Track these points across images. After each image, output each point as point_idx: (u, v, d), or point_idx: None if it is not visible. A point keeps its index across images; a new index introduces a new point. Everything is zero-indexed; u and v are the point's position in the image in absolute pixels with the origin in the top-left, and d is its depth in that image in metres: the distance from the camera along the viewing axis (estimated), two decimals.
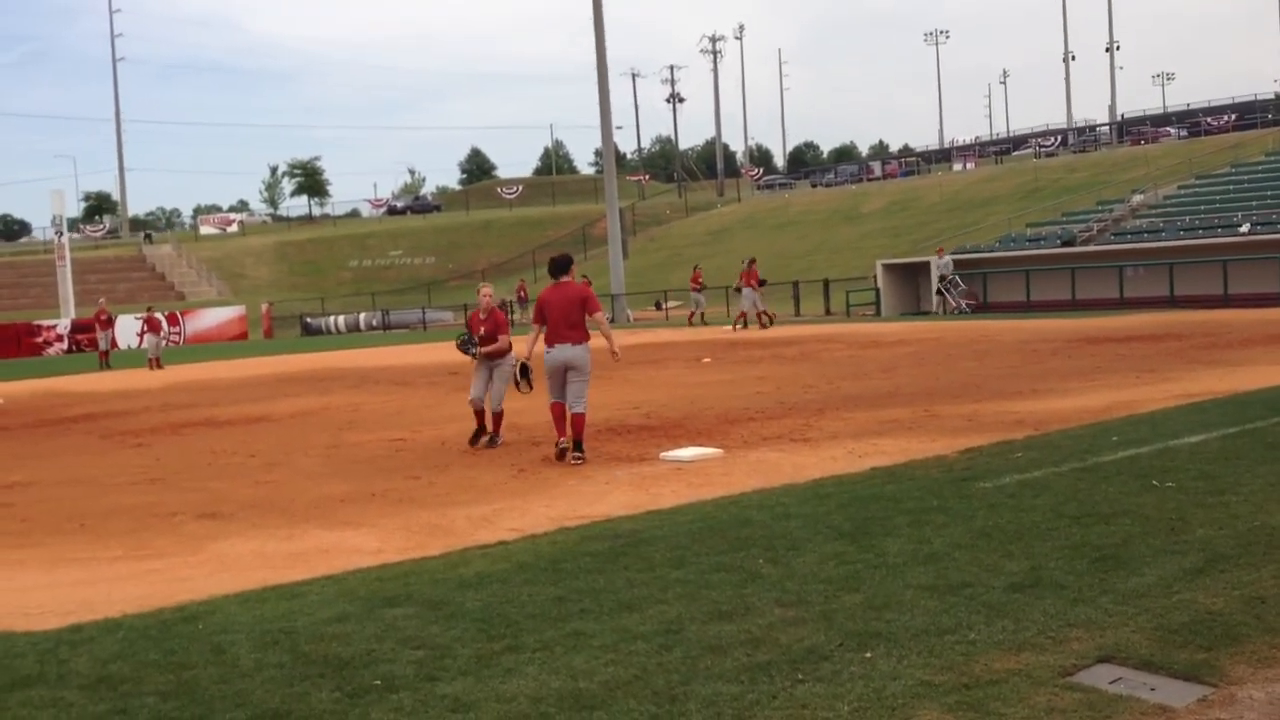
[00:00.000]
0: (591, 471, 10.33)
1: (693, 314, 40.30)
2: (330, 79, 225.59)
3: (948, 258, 38.78)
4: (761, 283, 34.21)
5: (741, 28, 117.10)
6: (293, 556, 7.58)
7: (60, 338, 51.35)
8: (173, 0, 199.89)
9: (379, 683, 4.93)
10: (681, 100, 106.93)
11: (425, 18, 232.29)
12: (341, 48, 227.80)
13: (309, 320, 63.62)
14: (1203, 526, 7.10)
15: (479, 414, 12.49)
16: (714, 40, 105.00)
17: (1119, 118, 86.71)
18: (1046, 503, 7.92)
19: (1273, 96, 76.20)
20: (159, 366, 29.66)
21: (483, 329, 12.35)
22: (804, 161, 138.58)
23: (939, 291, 37.89)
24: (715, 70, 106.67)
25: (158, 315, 33.54)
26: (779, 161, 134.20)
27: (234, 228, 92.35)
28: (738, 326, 33.60)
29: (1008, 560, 6.54)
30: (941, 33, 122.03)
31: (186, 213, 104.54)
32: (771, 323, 33.85)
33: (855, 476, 9.24)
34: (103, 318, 33.21)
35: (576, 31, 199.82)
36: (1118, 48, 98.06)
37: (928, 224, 57.10)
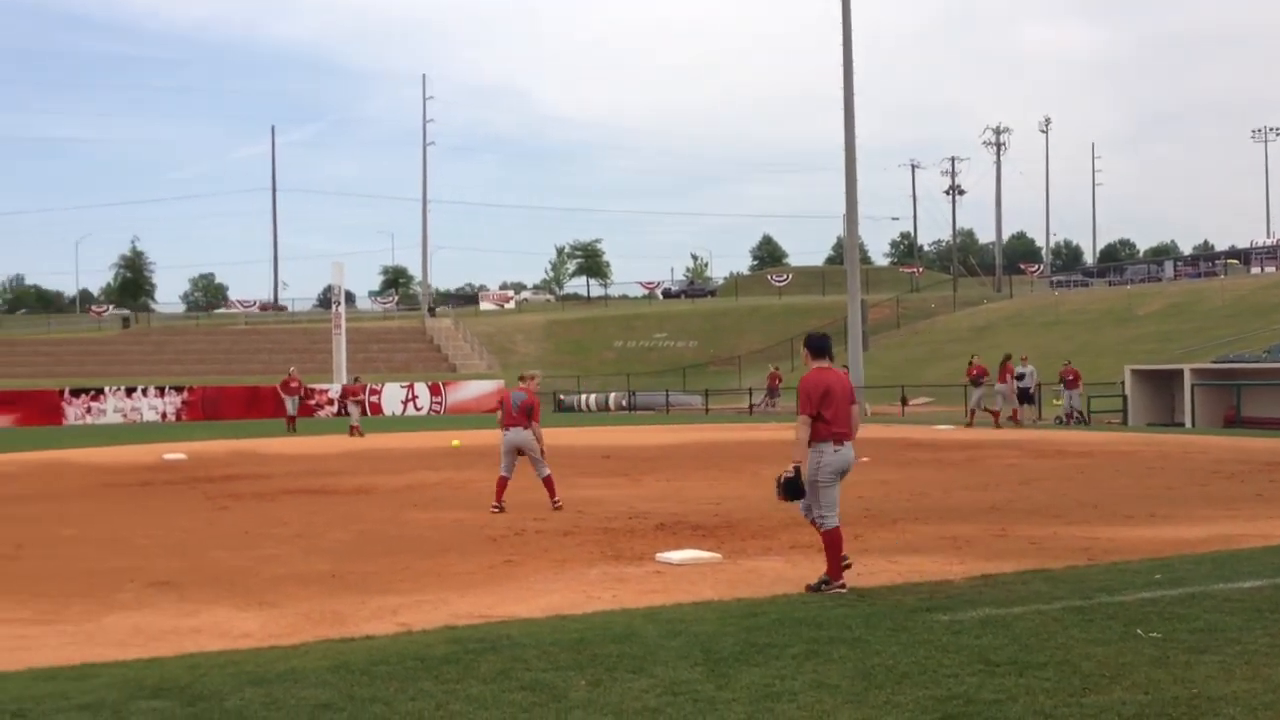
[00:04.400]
0: (580, 567, 9.83)
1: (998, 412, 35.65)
2: (624, 157, 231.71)
3: (1031, 368, 36.81)
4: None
5: (1047, 120, 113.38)
6: (163, 634, 7.43)
7: (331, 401, 54.01)
8: (467, 72, 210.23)
9: None
10: (962, 192, 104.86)
11: (722, 96, 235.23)
12: (641, 120, 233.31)
13: (562, 397, 64.98)
14: (1127, 689, 5.97)
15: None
16: (998, 132, 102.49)
17: None
18: (985, 643, 6.89)
19: None
20: (359, 434, 30.74)
21: None
22: (1116, 259, 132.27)
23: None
24: (998, 162, 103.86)
25: (359, 384, 35.09)
26: (1089, 259, 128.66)
27: (511, 304, 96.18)
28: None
29: (846, 707, 5.67)
30: (1272, 130, 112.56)
31: (494, 289, 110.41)
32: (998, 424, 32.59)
33: (816, 596, 8.37)
34: (292, 384, 34.86)
35: (884, 115, 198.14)
36: None
37: (1204, 330, 53.27)
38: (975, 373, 33.77)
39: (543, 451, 14.16)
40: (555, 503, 14.06)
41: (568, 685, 6.03)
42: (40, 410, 45.06)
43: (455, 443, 13.93)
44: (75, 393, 46.52)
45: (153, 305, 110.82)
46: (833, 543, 8.63)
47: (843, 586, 8.56)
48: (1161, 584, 8.68)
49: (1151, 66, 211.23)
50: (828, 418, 8.54)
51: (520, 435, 14.05)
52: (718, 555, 10.12)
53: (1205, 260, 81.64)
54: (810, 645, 6.82)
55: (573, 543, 11.32)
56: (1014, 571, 9.30)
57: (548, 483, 14.19)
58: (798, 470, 8.49)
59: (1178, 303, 61.96)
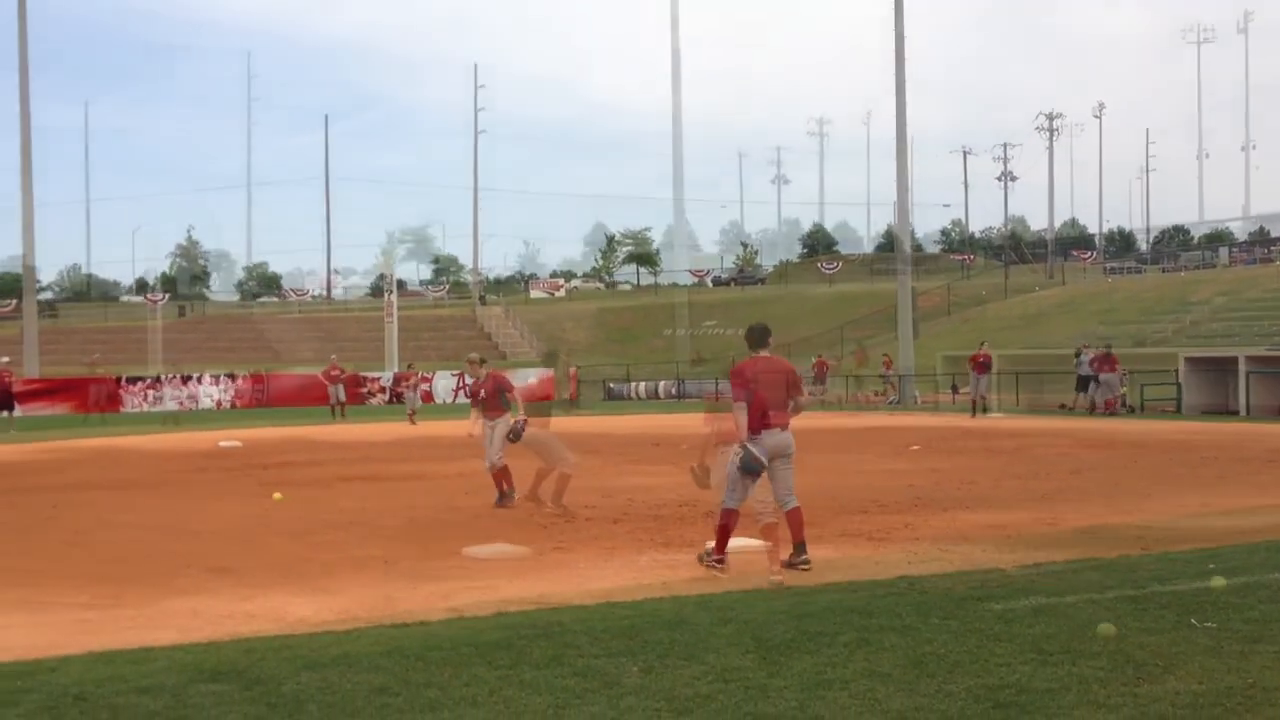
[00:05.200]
0: (630, 555, 9.89)
1: (1111, 401, 35.69)
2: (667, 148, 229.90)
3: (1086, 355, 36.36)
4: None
5: (1101, 106, 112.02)
6: (220, 619, 7.56)
7: (383, 389, 54.51)
8: (519, 61, 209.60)
9: None
10: (1014, 179, 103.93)
11: (773, 84, 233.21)
12: (691, 110, 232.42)
13: (611, 386, 65.05)
14: (1181, 679, 5.94)
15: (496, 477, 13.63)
16: (1050, 118, 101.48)
17: None
18: (1037, 632, 6.88)
19: None
20: (413, 422, 31.08)
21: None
22: (1170, 245, 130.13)
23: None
24: (1050, 149, 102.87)
25: (411, 371, 35.68)
26: (1142, 245, 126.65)
27: (561, 292, 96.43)
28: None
29: (897, 695, 5.68)
30: None
31: (544, 277, 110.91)
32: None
33: (866, 583, 8.37)
34: (334, 372, 35.25)
35: (937, 102, 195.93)
36: None
37: (1262, 316, 52.45)
38: (982, 359, 33.19)
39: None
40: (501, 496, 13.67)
41: (620, 671, 6.08)
42: (98, 397, 45.74)
43: (277, 496, 13.64)
44: (132, 380, 47.17)
45: (207, 294, 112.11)
46: (723, 523, 9.16)
47: (720, 561, 8.98)
48: (1213, 573, 8.61)
49: (1208, 49, 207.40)
50: (749, 408, 8.99)
51: None
52: (768, 543, 10.11)
53: (1261, 246, 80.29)
54: (861, 633, 6.83)
55: (623, 530, 11.38)
56: (1066, 560, 9.25)
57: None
58: (744, 448, 8.99)
59: (1231, 288, 61.03)
